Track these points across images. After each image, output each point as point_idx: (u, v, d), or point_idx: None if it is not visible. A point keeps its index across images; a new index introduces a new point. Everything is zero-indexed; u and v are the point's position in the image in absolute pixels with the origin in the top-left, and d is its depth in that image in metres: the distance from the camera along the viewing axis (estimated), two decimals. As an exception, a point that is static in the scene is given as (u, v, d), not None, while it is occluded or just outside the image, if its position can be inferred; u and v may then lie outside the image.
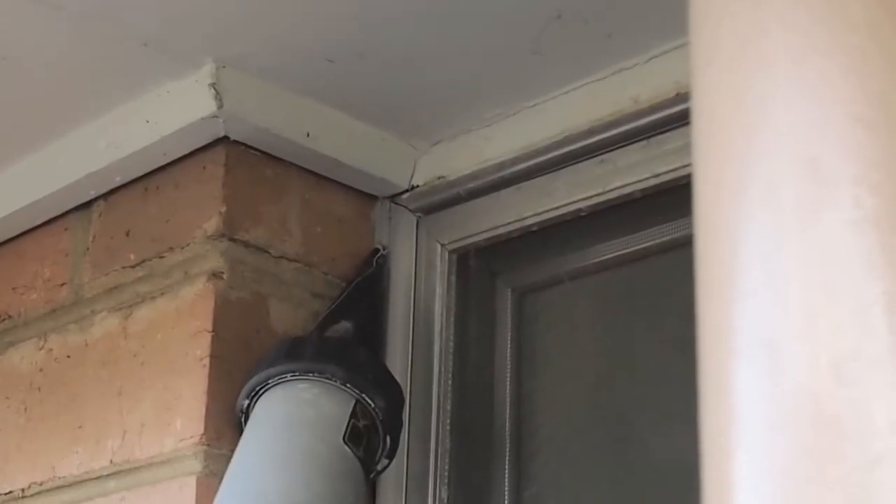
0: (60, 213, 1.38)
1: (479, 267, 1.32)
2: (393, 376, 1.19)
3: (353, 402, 1.13)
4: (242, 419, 1.15)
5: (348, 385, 1.13)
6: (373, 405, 1.14)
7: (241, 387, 1.15)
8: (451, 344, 1.29)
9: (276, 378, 1.13)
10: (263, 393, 1.14)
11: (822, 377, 0.48)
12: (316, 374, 1.13)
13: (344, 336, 1.22)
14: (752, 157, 0.53)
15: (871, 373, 0.48)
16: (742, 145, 0.54)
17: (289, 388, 1.13)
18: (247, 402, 1.15)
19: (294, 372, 1.13)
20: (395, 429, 1.16)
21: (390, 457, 1.17)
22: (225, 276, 1.20)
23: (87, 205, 1.36)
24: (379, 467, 1.17)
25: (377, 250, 1.31)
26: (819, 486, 0.47)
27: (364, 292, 1.28)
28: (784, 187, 0.52)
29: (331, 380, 1.13)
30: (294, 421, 1.12)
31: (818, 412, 0.48)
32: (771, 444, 0.48)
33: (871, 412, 0.47)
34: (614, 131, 1.19)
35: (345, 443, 1.11)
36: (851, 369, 0.48)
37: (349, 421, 1.12)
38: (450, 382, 1.28)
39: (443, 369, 1.28)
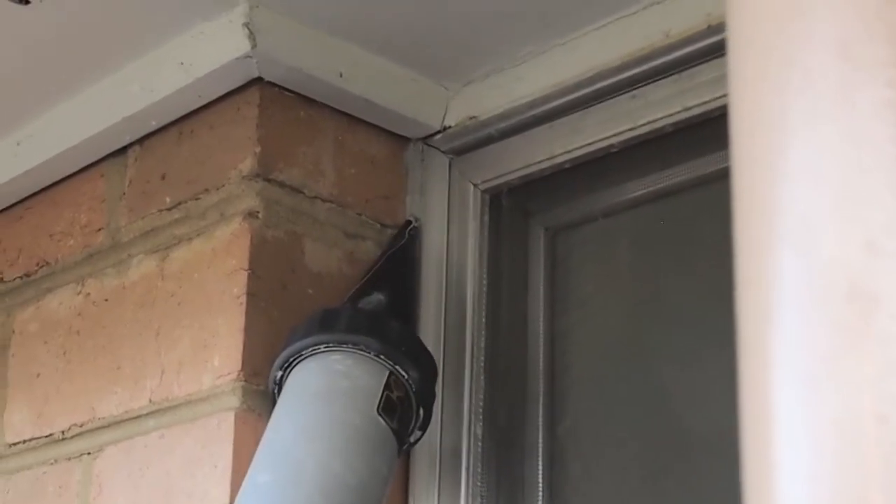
0: (96, 159, 1.39)
1: (511, 206, 1.33)
2: (426, 348, 1.18)
3: (387, 373, 1.13)
4: (275, 390, 1.15)
5: (382, 356, 1.13)
6: (406, 377, 1.14)
7: (274, 358, 1.15)
8: (485, 283, 1.30)
9: (310, 349, 1.13)
10: (297, 364, 1.14)
11: (855, 251, 0.49)
12: (350, 346, 1.13)
13: (377, 308, 1.22)
14: (787, 44, 0.54)
15: (905, 247, 0.48)
16: (776, 33, 0.54)
17: (322, 360, 1.13)
18: (280, 373, 1.15)
19: (328, 343, 1.13)
20: (428, 401, 1.17)
21: (423, 429, 1.17)
22: (260, 215, 1.22)
23: (122, 150, 1.37)
24: (412, 439, 1.17)
25: (409, 222, 1.31)
26: (852, 359, 0.48)
27: (397, 264, 1.28)
28: (819, 72, 0.52)
29: (365, 351, 1.13)
30: (328, 392, 1.12)
31: (852, 285, 0.48)
32: (805, 318, 0.49)
33: (905, 285, 0.48)
34: (645, 66, 1.19)
35: (379, 414, 1.11)
36: (884, 243, 0.48)
37: (383, 392, 1.12)
38: (483, 321, 1.29)
39: (476, 308, 1.29)
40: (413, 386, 1.14)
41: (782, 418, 0.49)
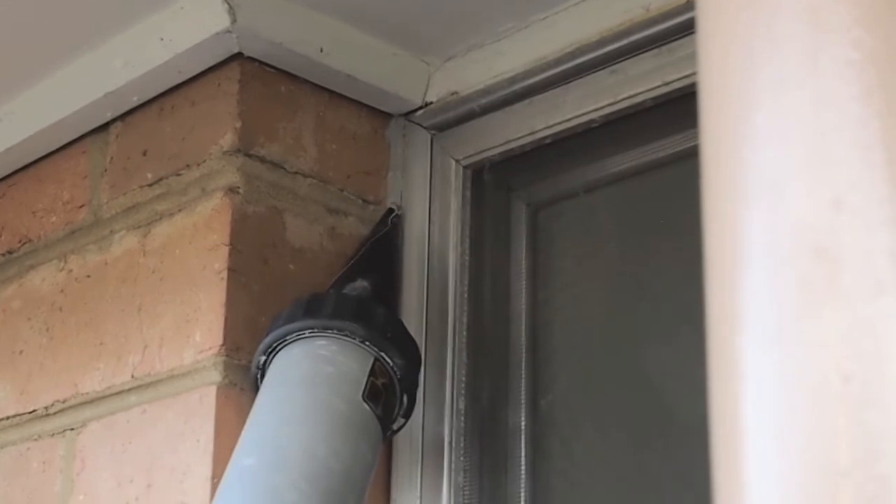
0: (78, 136, 1.39)
1: (493, 182, 1.33)
2: (411, 335, 1.18)
3: (372, 360, 1.13)
4: (258, 376, 1.15)
5: (367, 343, 1.13)
6: (391, 364, 1.13)
7: (258, 343, 1.15)
8: (467, 259, 1.30)
9: (295, 334, 1.13)
10: (281, 349, 1.14)
11: (821, 210, 0.49)
12: (335, 331, 1.12)
13: (362, 294, 1.21)
14: (755, 7, 0.54)
15: (870, 205, 0.49)
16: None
17: (307, 345, 1.13)
18: (263, 358, 1.14)
19: (312, 328, 1.12)
20: (412, 388, 1.16)
21: (406, 416, 1.17)
22: (241, 190, 1.22)
23: (104, 127, 1.37)
24: (395, 426, 1.17)
25: (392, 210, 1.31)
26: (817, 317, 0.48)
27: (380, 251, 1.28)
28: (785, 34, 0.53)
29: (350, 337, 1.12)
30: (312, 377, 1.11)
31: (818, 244, 0.49)
32: (772, 277, 0.49)
33: (870, 242, 0.48)
34: (625, 41, 1.19)
35: (363, 400, 1.10)
36: (850, 201, 0.49)
37: (368, 379, 1.11)
38: (465, 297, 1.29)
39: (458, 284, 1.29)
40: (398, 373, 1.14)
41: (748, 376, 0.50)
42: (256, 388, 1.14)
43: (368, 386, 1.11)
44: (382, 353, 1.13)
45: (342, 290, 1.21)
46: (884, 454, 0.46)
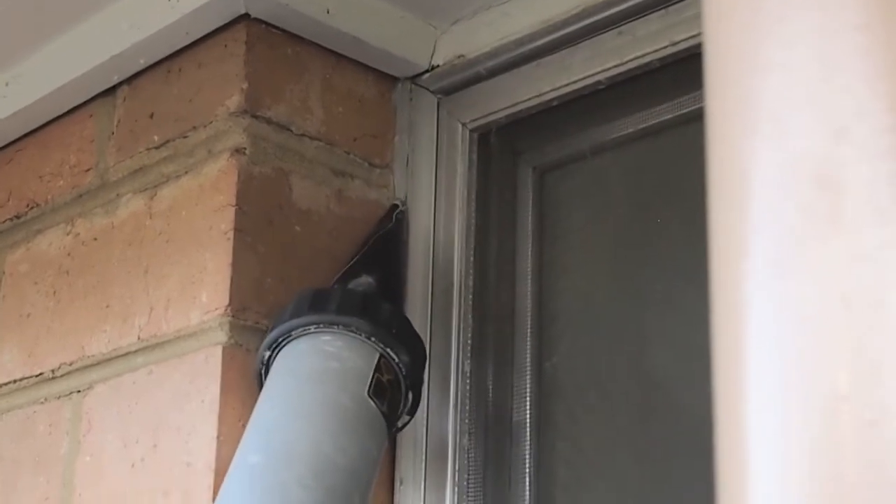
0: (85, 99, 1.39)
1: (500, 145, 1.33)
2: (416, 332, 1.17)
3: (378, 356, 1.12)
4: (263, 371, 1.14)
5: (373, 339, 1.12)
6: (397, 360, 1.13)
7: (263, 337, 1.14)
8: (473, 222, 1.30)
9: (300, 329, 1.12)
10: (286, 344, 1.13)
11: (825, 139, 0.49)
12: (341, 327, 1.11)
13: (367, 290, 1.21)
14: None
15: (873, 135, 0.49)
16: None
17: (312, 340, 1.12)
18: (268, 353, 1.13)
19: (318, 324, 1.12)
20: (417, 385, 1.15)
21: (411, 413, 1.16)
22: (247, 151, 1.22)
23: (111, 90, 1.37)
24: (400, 423, 1.16)
25: (396, 206, 1.31)
26: (820, 245, 0.48)
27: (385, 247, 1.28)
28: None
29: (355, 333, 1.12)
30: (318, 373, 1.10)
31: (820, 172, 0.49)
32: (775, 207, 0.49)
33: (873, 171, 0.48)
34: (632, 1, 1.19)
35: (369, 397, 1.09)
36: (854, 130, 0.49)
37: (373, 375, 1.11)
38: (472, 260, 1.29)
39: (465, 248, 1.29)
40: (403, 369, 1.13)
41: (751, 305, 0.49)
42: (261, 384, 1.14)
43: (374, 382, 1.10)
44: (388, 350, 1.12)
45: (347, 286, 1.21)
46: (883, 380, 0.46)
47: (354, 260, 1.25)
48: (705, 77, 0.55)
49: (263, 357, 1.14)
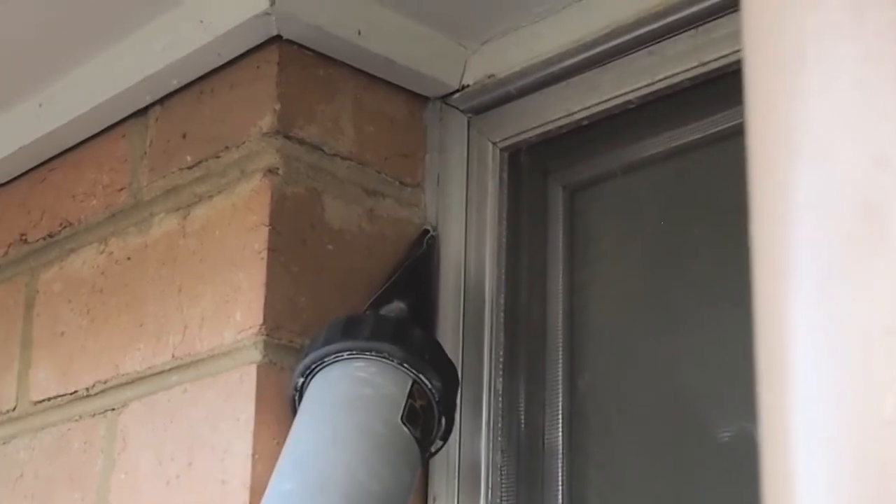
0: (118, 120, 1.40)
1: (530, 165, 1.34)
2: (448, 357, 1.18)
3: (411, 382, 1.12)
4: (296, 397, 1.15)
5: (405, 365, 1.12)
6: (430, 386, 1.13)
7: (296, 364, 1.15)
8: (505, 241, 1.31)
9: (333, 356, 1.13)
10: (319, 371, 1.14)
11: (866, 166, 0.50)
12: (373, 353, 1.12)
13: (399, 315, 1.21)
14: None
15: (915, 161, 0.49)
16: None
17: (345, 367, 1.12)
18: (301, 380, 1.14)
19: (351, 350, 1.12)
20: (450, 410, 1.16)
21: (444, 438, 1.17)
22: (280, 171, 1.23)
23: (143, 111, 1.38)
24: (433, 449, 1.16)
25: (427, 231, 1.31)
26: (864, 273, 0.49)
27: (416, 272, 1.28)
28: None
29: (388, 359, 1.12)
30: (351, 400, 1.11)
31: (864, 200, 0.49)
32: (818, 234, 0.50)
33: (915, 198, 0.49)
34: (662, 21, 1.20)
35: (402, 423, 1.10)
36: (893, 157, 0.49)
37: (406, 401, 1.11)
38: (503, 278, 1.30)
39: (496, 266, 1.30)
40: (436, 395, 1.13)
41: (795, 331, 0.50)
42: (295, 410, 1.15)
43: (407, 408, 1.11)
44: (421, 376, 1.13)
45: (379, 312, 1.21)
46: (929, 405, 0.47)
47: (386, 286, 1.26)
48: (745, 100, 0.55)
49: (297, 383, 1.15)
